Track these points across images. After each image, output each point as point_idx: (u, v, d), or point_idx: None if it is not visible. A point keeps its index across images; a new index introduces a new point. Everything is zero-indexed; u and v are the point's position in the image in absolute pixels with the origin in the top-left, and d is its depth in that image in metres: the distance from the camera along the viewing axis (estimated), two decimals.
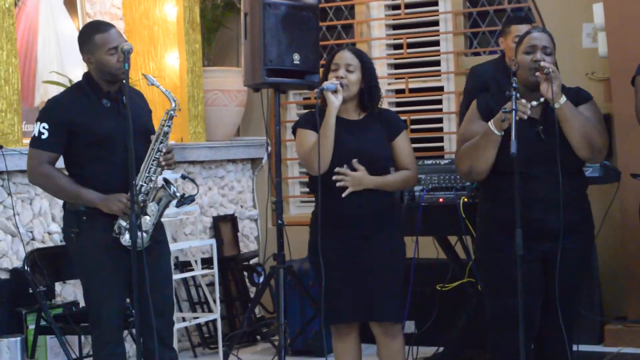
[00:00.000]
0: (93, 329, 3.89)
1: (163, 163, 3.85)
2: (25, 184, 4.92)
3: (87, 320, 4.60)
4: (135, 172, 3.74)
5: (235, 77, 6.27)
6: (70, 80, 5.28)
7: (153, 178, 3.84)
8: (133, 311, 3.87)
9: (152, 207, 3.83)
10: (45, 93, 5.31)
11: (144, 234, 3.76)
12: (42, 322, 4.59)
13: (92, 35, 3.82)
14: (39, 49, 5.36)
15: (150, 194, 3.85)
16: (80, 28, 4.09)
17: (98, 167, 3.80)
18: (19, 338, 4.37)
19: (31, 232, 4.96)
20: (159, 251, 3.95)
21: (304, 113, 4.14)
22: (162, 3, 6.11)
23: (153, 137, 3.86)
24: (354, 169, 3.87)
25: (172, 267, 5.67)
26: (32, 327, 4.63)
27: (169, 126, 3.87)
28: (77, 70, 5.51)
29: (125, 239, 3.77)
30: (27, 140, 5.00)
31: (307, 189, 6.72)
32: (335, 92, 3.83)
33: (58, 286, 4.94)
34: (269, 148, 6.40)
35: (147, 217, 3.82)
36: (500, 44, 5.16)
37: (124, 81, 3.76)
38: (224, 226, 6.26)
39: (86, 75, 3.92)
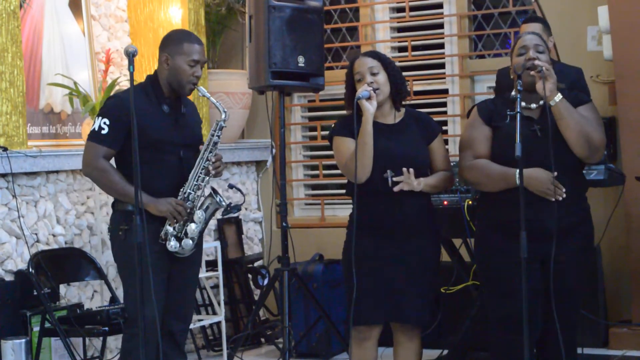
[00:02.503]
0: (129, 329, 3.93)
1: (212, 172, 3.93)
2: (30, 186, 4.92)
3: (91, 322, 4.62)
4: (183, 179, 3.87)
5: (240, 80, 6.28)
6: (75, 83, 5.29)
7: (201, 186, 3.92)
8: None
9: (199, 215, 3.92)
10: (50, 95, 5.31)
11: (190, 241, 3.86)
12: (47, 324, 4.58)
13: (182, 41, 3.92)
14: (44, 51, 5.36)
15: (197, 201, 3.91)
16: (173, 30, 4.22)
17: (147, 170, 3.81)
18: (23, 340, 4.37)
19: (36, 234, 4.96)
20: (193, 258, 4.04)
21: (339, 120, 4.11)
22: (167, 5, 6.11)
23: (202, 147, 3.94)
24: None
25: None
26: (36, 329, 4.63)
27: (219, 136, 3.97)
28: (82, 72, 5.52)
29: (172, 245, 3.85)
30: (31, 143, 5.01)
31: (311, 192, 6.72)
32: (369, 98, 3.83)
33: (62, 288, 4.94)
34: (274, 150, 6.40)
35: (194, 225, 3.91)
36: None
37: (188, 94, 3.93)
38: (228, 228, 6.26)
39: (150, 78, 3.98)
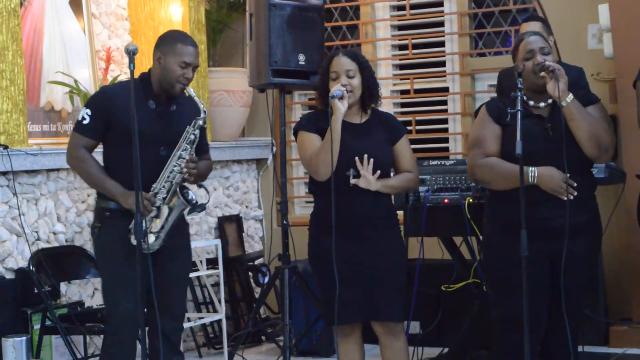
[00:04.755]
0: (107, 325, 3.94)
1: (184, 170, 3.88)
2: (31, 184, 4.91)
3: (92, 320, 4.62)
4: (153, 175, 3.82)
5: (240, 78, 6.27)
6: (75, 81, 5.28)
7: (173, 183, 3.87)
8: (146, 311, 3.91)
9: (164, 211, 3.86)
10: (50, 93, 5.30)
11: (153, 237, 3.81)
12: (48, 322, 4.58)
13: (176, 41, 3.91)
14: (45, 50, 5.35)
15: (167, 198, 3.88)
16: (170, 30, 4.19)
17: (125, 163, 3.79)
18: (24, 338, 4.37)
19: (36, 232, 4.95)
20: (179, 257, 4.01)
21: (304, 115, 4.13)
22: (167, 3, 6.10)
23: (178, 143, 3.90)
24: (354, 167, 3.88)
25: None
26: (37, 327, 4.62)
27: (195, 134, 3.92)
28: (82, 70, 5.51)
29: (132, 238, 3.78)
30: (32, 141, 5.01)
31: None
32: (341, 98, 3.85)
33: (63, 286, 4.94)
34: (274, 148, 6.39)
35: (157, 220, 3.85)
36: None
37: (177, 94, 3.89)
38: (229, 226, 6.26)
39: (142, 74, 3.98)
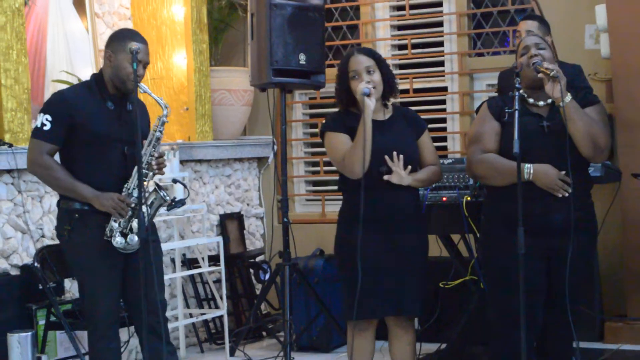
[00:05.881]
0: (88, 324, 3.93)
1: (155, 167, 3.89)
2: (35, 182, 4.93)
3: None
4: (131, 174, 3.81)
5: (242, 77, 6.29)
6: (79, 79, 5.30)
7: (145, 181, 3.85)
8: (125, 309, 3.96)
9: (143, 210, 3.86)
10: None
11: (135, 237, 3.80)
12: (52, 318, 4.60)
13: (127, 39, 3.85)
14: (49, 49, 5.37)
15: (146, 196, 3.87)
16: (120, 28, 4.12)
17: (90, 166, 3.82)
18: (29, 333, 4.38)
19: (41, 229, 4.98)
20: (152, 251, 3.95)
21: (329, 115, 4.12)
22: (169, 3, 6.12)
23: (145, 142, 3.89)
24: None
25: (180, 264, 5.70)
26: (42, 322, 4.64)
27: (161, 132, 3.92)
28: (85, 69, 5.53)
29: (117, 241, 3.81)
30: None
31: (311, 188, 6.74)
32: (369, 95, 3.85)
33: (67, 282, 4.96)
34: (275, 147, 6.41)
35: (135, 220, 3.83)
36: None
37: (132, 91, 3.80)
38: (230, 224, 6.28)
39: (95, 76, 3.96)
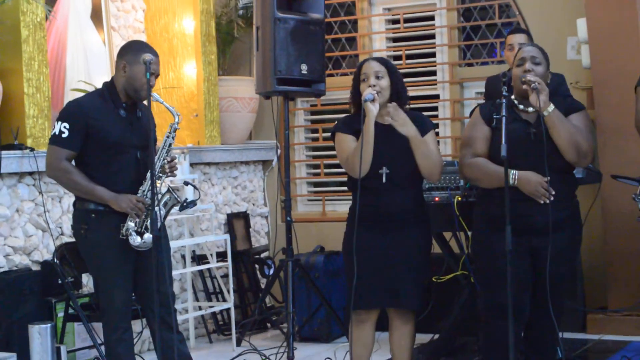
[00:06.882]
0: (103, 317, 3.93)
1: (168, 170, 3.90)
2: (55, 184, 4.93)
3: None
4: (144, 177, 3.82)
5: (247, 86, 6.29)
6: (96, 89, 5.29)
7: (158, 184, 3.86)
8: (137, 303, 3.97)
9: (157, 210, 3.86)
10: None
11: (151, 235, 3.79)
12: (70, 311, 4.60)
13: (141, 51, 3.84)
14: (68, 60, 5.38)
15: (160, 198, 3.88)
16: (132, 40, 4.11)
17: (106, 170, 3.82)
18: (49, 325, 4.38)
19: (60, 227, 4.98)
20: (160, 247, 3.95)
21: (341, 117, 4.12)
22: (180, 18, 6.13)
23: (158, 147, 3.90)
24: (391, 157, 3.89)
25: (190, 260, 5.70)
26: (61, 315, 4.65)
27: (173, 138, 3.93)
28: (102, 79, 5.51)
29: (134, 239, 3.81)
30: None
31: (313, 189, 6.74)
32: (372, 101, 3.84)
33: (85, 277, 4.96)
34: (279, 151, 6.41)
35: (149, 219, 3.83)
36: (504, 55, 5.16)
37: (144, 101, 3.81)
38: (237, 222, 6.28)
39: (107, 84, 3.95)
